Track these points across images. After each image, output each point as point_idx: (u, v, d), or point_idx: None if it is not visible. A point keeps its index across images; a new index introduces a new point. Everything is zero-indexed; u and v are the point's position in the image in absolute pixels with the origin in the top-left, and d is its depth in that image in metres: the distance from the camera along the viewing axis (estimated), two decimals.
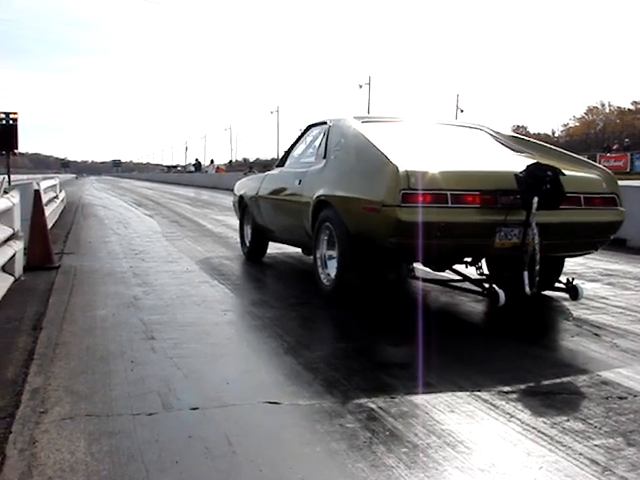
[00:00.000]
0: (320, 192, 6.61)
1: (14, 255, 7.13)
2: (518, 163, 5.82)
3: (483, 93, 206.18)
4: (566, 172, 5.69)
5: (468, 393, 4.04)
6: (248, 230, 9.64)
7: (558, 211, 5.59)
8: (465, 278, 6.29)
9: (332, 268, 6.52)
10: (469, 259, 6.36)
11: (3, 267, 6.73)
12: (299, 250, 8.97)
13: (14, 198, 7.44)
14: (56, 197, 17.75)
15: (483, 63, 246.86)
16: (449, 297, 6.88)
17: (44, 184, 13.47)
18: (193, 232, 13.53)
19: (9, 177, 24.48)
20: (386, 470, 3.02)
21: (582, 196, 5.83)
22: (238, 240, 10.39)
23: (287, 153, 8.71)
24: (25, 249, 8.02)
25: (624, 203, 6.09)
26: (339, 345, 5.17)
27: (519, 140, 7.28)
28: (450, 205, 5.40)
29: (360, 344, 5.17)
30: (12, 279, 7.09)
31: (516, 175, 5.48)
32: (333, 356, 4.81)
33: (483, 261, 6.53)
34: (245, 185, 9.92)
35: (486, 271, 6.54)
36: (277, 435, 3.41)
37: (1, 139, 26.21)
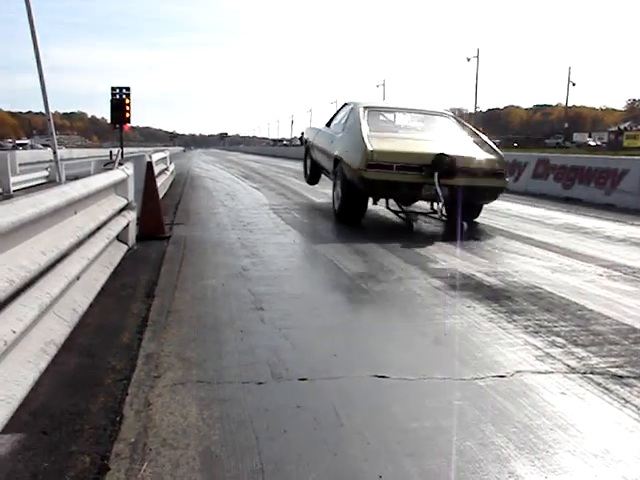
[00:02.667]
0: (337, 153, 10.87)
1: (128, 225, 7.39)
2: (441, 149, 9.65)
3: (597, 66, 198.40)
4: (471, 156, 9.81)
5: (580, 375, 3.94)
6: (308, 162, 14.46)
7: (460, 178, 9.40)
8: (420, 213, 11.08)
9: (339, 200, 10.67)
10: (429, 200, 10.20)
11: (118, 236, 6.98)
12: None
13: (128, 170, 7.69)
14: (166, 169, 18.23)
15: (598, 35, 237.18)
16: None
17: (155, 157, 13.85)
18: (300, 205, 13.68)
19: (122, 149, 25.35)
20: (495, 449, 2.99)
21: (484, 170, 9.72)
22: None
23: (332, 117, 12.95)
24: (138, 219, 8.29)
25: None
26: (450, 321, 5.09)
27: (466, 126, 11.36)
28: (394, 171, 9.44)
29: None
30: (126, 248, 7.36)
31: (432, 159, 9.40)
32: (442, 332, 4.75)
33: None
34: (309, 133, 14.67)
35: (435, 207, 10.12)
36: (385, 409, 3.41)
37: (115, 113, 27.21)
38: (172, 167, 21.55)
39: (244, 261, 7.20)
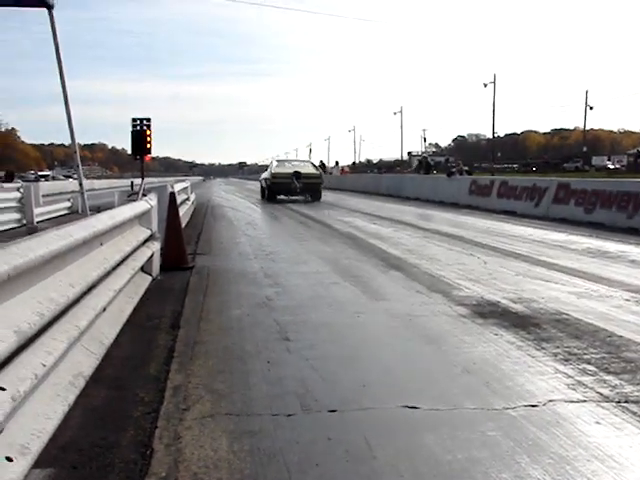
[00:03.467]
0: (265, 176, 29.46)
1: (152, 255, 7.41)
2: (297, 170, 27.20)
3: (615, 89, 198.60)
4: (307, 171, 27.81)
5: (614, 404, 3.87)
6: (260, 190, 31.06)
7: (304, 180, 26.69)
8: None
9: (265, 193, 28.65)
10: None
11: (142, 267, 6.99)
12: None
13: (152, 201, 7.72)
14: (187, 199, 18.35)
15: (614, 58, 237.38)
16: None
17: (177, 187, 13.91)
18: (321, 233, 13.71)
19: (143, 180, 25.55)
20: None
21: (312, 176, 27.46)
22: (367, 240, 12.07)
23: (267, 167, 31.87)
24: (161, 250, 8.29)
25: None
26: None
27: (313, 165, 30.83)
28: (281, 179, 26.93)
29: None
30: (150, 279, 7.37)
31: (292, 173, 27.01)
32: (481, 360, 4.70)
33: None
34: (262, 174, 31.58)
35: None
36: (417, 440, 3.36)
37: (136, 144, 27.30)
38: (193, 197, 21.68)
39: (268, 291, 7.19)
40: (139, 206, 7.12)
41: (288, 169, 27.43)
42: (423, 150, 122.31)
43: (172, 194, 8.90)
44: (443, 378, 4.36)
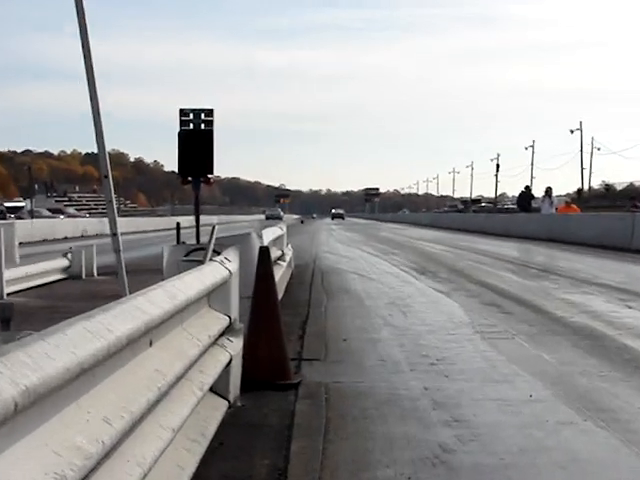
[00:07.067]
0: (331, 213, 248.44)
1: (229, 363, 7.30)
2: (339, 211, 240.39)
3: None
4: (340, 211, 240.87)
5: None
6: (331, 216, 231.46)
7: (339, 214, 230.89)
8: None
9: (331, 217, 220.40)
10: None
11: (212, 386, 6.88)
12: None
13: (231, 263, 7.68)
14: (282, 256, 18.41)
15: None
16: None
17: (267, 236, 13.92)
18: (529, 325, 13.61)
19: (198, 221, 25.95)
20: None
21: (342, 213, 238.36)
22: (619, 340, 11.88)
23: (331, 210, 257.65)
24: (243, 349, 8.14)
25: None
26: None
27: (342, 210, 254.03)
28: (334, 213, 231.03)
29: None
30: (225, 405, 7.31)
31: (337, 212, 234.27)
32: None
33: None
34: (332, 212, 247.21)
35: None
36: None
37: (186, 157, 25.80)
38: (290, 252, 21.74)
39: (442, 434, 7.13)
40: (209, 275, 7.13)
41: (336, 211, 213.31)
42: None
43: (265, 251, 8.95)
44: None
